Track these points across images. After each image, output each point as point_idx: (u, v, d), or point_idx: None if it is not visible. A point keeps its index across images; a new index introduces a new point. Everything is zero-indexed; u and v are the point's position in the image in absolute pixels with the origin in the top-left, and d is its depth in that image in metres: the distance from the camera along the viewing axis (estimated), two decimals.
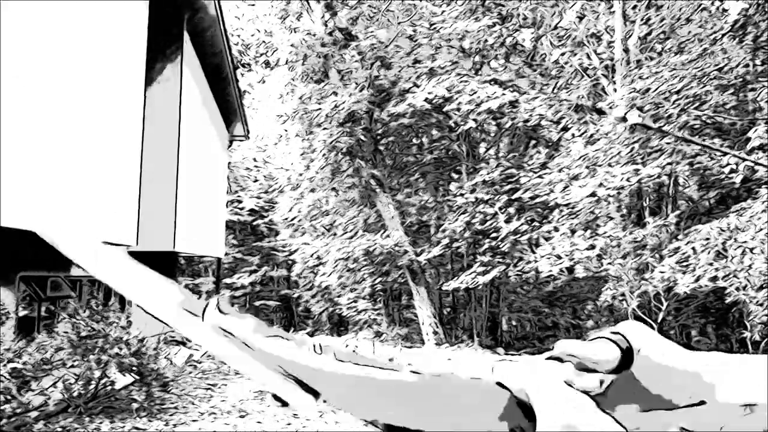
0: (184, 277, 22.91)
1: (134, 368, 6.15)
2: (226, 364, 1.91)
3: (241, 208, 24.88)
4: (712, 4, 14.56)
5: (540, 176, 14.91)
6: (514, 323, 20.54)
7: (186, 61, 11.05)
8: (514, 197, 15.35)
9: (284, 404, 1.82)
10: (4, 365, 5.17)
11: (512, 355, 15.54)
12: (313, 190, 20.05)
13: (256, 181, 26.85)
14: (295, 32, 19.36)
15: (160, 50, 9.97)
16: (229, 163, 22.14)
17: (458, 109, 15.54)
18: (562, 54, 17.28)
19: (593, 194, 12.92)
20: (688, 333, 15.52)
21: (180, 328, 1.84)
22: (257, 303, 25.57)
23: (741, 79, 12.52)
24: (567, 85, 16.41)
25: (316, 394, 1.70)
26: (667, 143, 12.77)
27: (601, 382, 1.52)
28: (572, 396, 1.52)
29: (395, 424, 1.73)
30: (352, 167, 18.10)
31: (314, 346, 1.78)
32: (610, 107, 14.06)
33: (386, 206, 17.89)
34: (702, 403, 1.48)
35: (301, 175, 20.18)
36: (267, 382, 1.77)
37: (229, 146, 15.55)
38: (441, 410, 1.75)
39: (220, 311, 1.82)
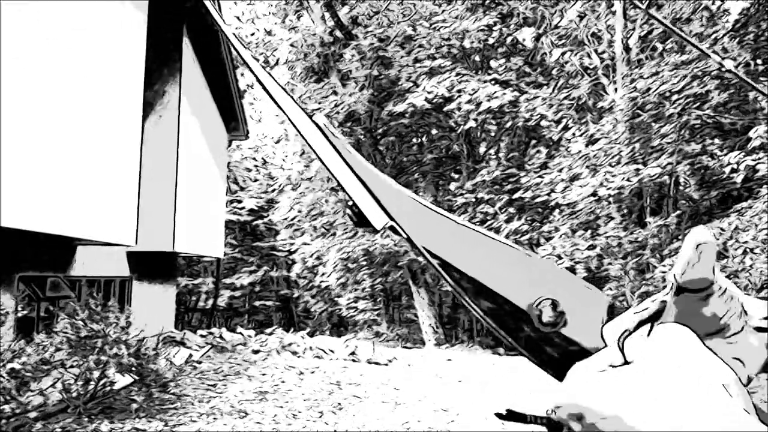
0: (184, 277, 22.89)
1: (133, 369, 6.12)
2: (325, 164, 1.85)
3: (241, 208, 24.84)
4: (713, 3, 14.54)
5: (540, 176, 14.89)
6: None
7: (185, 61, 11.02)
8: (514, 197, 15.33)
9: (361, 223, 1.81)
10: (4, 365, 5.15)
11: (513, 355, 15.52)
12: (312, 190, 20.03)
13: (255, 181, 26.82)
14: (294, 31, 19.34)
15: (159, 51, 9.94)
16: (229, 163, 22.13)
17: (458, 109, 15.52)
18: (563, 53, 17.26)
19: (594, 194, 12.90)
20: None
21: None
22: (257, 303, 25.54)
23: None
24: (567, 85, 16.39)
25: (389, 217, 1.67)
26: (668, 143, 12.76)
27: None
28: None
29: (459, 266, 1.66)
30: None
31: None
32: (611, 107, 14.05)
33: None
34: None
35: (300, 174, 20.16)
36: (355, 192, 1.74)
37: (229, 146, 15.52)
38: (518, 279, 1.68)
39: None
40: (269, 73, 1.91)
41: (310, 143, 1.81)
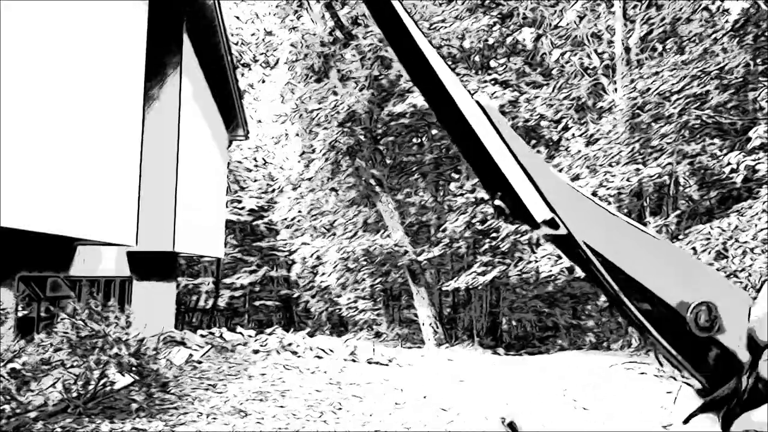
0: (184, 277, 22.89)
1: (134, 368, 6.12)
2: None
3: (241, 208, 24.84)
4: (713, 3, 14.55)
5: None
6: (514, 323, 20.50)
7: (185, 61, 11.02)
8: None
9: (514, 215, 1.62)
10: (4, 365, 5.15)
11: (513, 355, 15.53)
12: (312, 190, 20.04)
13: (255, 181, 26.82)
14: (294, 31, 19.33)
15: (159, 51, 9.94)
16: (229, 163, 22.12)
17: None
18: (563, 53, 17.27)
19: (594, 194, 12.90)
20: None
21: None
22: (257, 303, 25.54)
23: (741, 79, 12.50)
24: (567, 85, 16.39)
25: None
26: (668, 143, 12.75)
27: None
28: None
29: (620, 265, 1.51)
30: (352, 167, 18.08)
31: None
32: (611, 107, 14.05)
33: (386, 206, 17.87)
34: None
35: (300, 174, 20.16)
36: (517, 181, 1.56)
37: (229, 146, 15.53)
38: (675, 278, 1.53)
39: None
40: (430, 41, 1.67)
41: (474, 126, 1.61)
